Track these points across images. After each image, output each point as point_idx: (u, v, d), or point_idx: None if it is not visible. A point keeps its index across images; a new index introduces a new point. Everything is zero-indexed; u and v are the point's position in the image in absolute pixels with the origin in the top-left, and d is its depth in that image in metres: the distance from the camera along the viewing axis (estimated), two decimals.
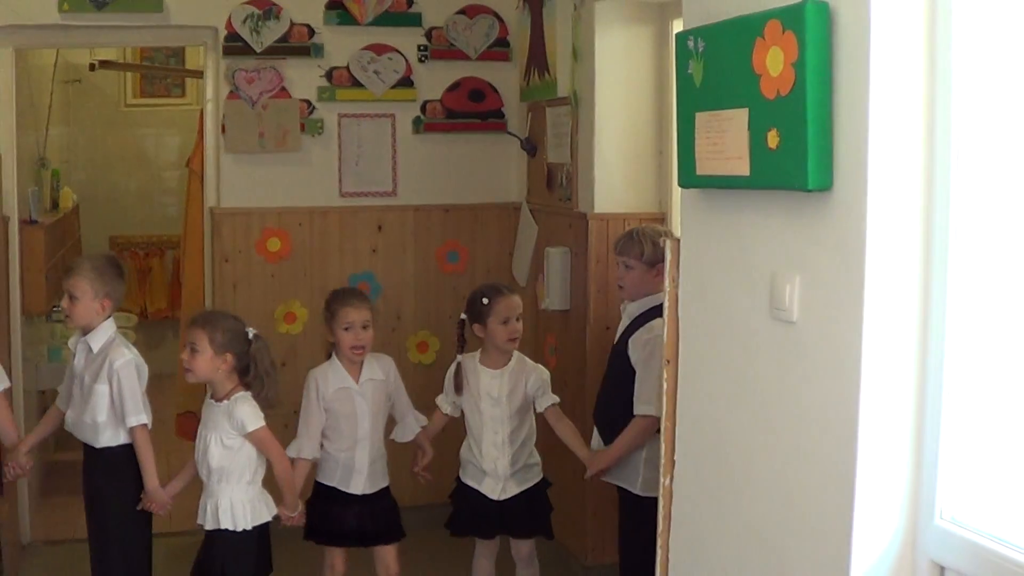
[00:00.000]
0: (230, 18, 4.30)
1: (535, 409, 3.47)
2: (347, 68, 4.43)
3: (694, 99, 2.05)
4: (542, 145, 4.31)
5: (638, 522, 3.25)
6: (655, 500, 3.13)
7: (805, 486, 1.85)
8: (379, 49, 4.46)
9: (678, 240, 2.30)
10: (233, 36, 4.31)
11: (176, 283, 7.06)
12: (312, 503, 3.43)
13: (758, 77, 1.83)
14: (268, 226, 4.41)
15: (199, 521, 3.17)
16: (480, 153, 4.61)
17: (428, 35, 4.50)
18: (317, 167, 4.45)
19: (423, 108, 4.53)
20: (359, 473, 3.41)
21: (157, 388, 5.36)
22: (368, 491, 3.42)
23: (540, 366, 3.51)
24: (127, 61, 6.94)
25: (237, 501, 3.12)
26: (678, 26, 2.65)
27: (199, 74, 5.28)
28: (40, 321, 4.98)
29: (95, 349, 3.25)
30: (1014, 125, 1.63)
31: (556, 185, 4.18)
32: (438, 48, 4.52)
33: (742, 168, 1.90)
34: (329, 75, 4.42)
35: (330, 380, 3.40)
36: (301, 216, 4.44)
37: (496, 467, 3.41)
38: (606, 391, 3.40)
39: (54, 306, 4.86)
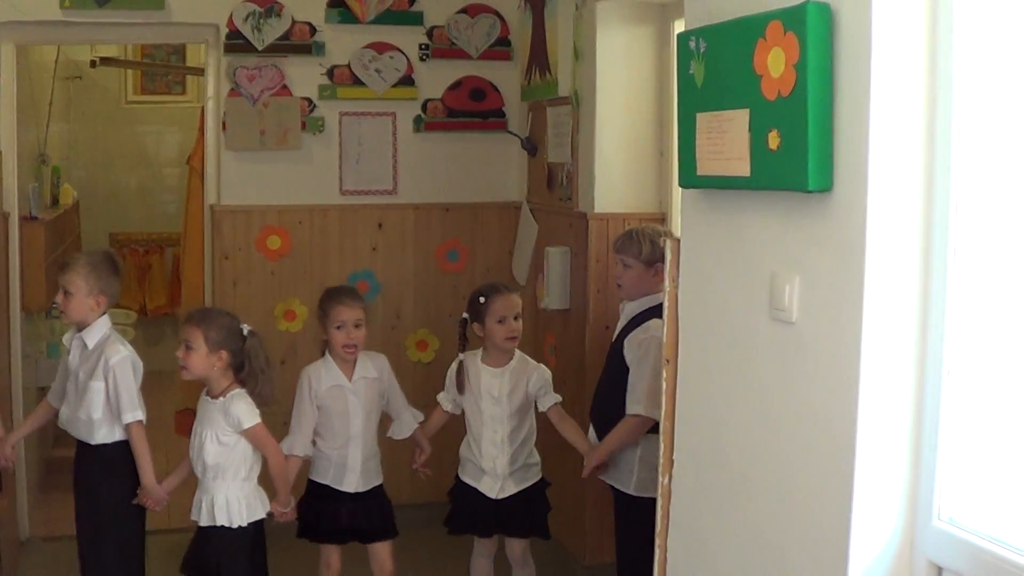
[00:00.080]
0: (231, 16, 4.31)
1: (538, 408, 3.47)
2: (348, 66, 4.44)
3: (695, 99, 2.06)
4: (543, 145, 4.32)
5: (633, 522, 3.26)
6: (649, 500, 3.15)
7: (804, 486, 1.85)
8: (380, 48, 4.47)
9: (678, 240, 2.30)
10: (234, 34, 4.31)
11: (176, 280, 7.06)
12: (305, 501, 3.44)
13: (759, 78, 1.83)
14: (268, 224, 4.42)
15: (193, 517, 3.17)
16: (481, 152, 4.61)
17: (429, 34, 4.51)
18: (318, 165, 4.46)
19: (424, 107, 4.54)
20: (352, 471, 3.41)
21: (156, 385, 5.36)
22: (361, 489, 3.43)
23: (542, 365, 3.51)
24: (128, 58, 6.94)
25: (233, 498, 3.12)
26: (679, 26, 2.66)
27: (200, 71, 5.29)
28: (39, 317, 4.98)
29: (90, 345, 3.26)
30: (1014, 127, 1.63)
31: (556, 185, 4.19)
32: (439, 47, 4.52)
33: (743, 169, 1.91)
34: (330, 73, 4.42)
35: (323, 378, 3.40)
36: (301, 214, 4.45)
37: (495, 466, 3.42)
38: (602, 389, 3.40)
39: (53, 302, 4.85)
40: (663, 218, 3.86)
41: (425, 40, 4.51)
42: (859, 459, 1.72)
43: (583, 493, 3.87)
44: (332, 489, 3.42)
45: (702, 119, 2.03)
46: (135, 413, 3.23)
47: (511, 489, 3.43)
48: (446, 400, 3.53)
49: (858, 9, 1.69)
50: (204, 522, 3.13)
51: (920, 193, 1.71)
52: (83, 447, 3.30)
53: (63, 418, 3.33)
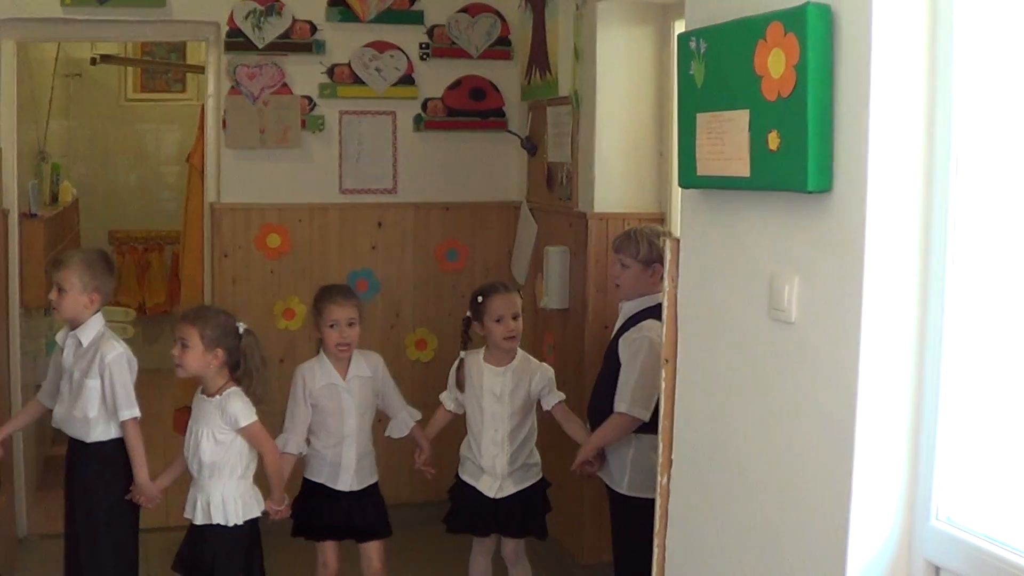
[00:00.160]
0: (232, 14, 4.31)
1: (542, 407, 3.48)
2: (348, 65, 4.44)
3: (695, 100, 2.06)
4: (542, 144, 4.32)
5: (626, 522, 3.27)
6: (642, 500, 3.17)
7: (802, 486, 1.85)
8: (381, 46, 4.47)
9: (678, 240, 2.31)
10: (235, 32, 4.31)
11: (175, 278, 7.05)
12: (300, 500, 3.44)
13: (759, 79, 1.83)
14: (268, 222, 4.42)
15: (187, 515, 3.17)
16: (480, 152, 4.61)
17: (430, 33, 4.51)
18: (318, 164, 4.46)
19: (424, 106, 4.54)
20: (346, 470, 3.41)
21: (155, 384, 5.36)
22: (356, 488, 3.43)
23: (545, 364, 3.52)
24: (128, 56, 6.94)
25: (229, 496, 3.12)
26: (679, 27, 2.66)
27: (200, 69, 5.29)
28: (38, 315, 4.98)
29: (85, 343, 3.25)
30: (1014, 128, 1.63)
31: (556, 184, 4.19)
32: (440, 46, 4.52)
33: (742, 169, 1.91)
34: (330, 72, 4.43)
35: (317, 376, 3.41)
36: (301, 212, 4.45)
37: (494, 465, 3.42)
38: (599, 388, 3.41)
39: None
40: (662, 218, 3.87)
41: (425, 39, 4.51)
42: (858, 458, 1.72)
43: (581, 493, 3.87)
44: (327, 488, 3.42)
45: (702, 119, 2.04)
46: (132, 410, 3.23)
47: (510, 489, 3.43)
48: (448, 399, 3.54)
49: (858, 10, 1.70)
50: (200, 520, 3.13)
51: (919, 194, 1.71)
52: (77, 445, 3.29)
53: (57, 417, 3.32)
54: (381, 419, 3.58)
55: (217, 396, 3.14)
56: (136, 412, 3.24)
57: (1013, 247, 1.65)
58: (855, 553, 1.74)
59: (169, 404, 4.91)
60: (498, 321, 3.40)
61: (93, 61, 6.39)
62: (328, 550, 3.48)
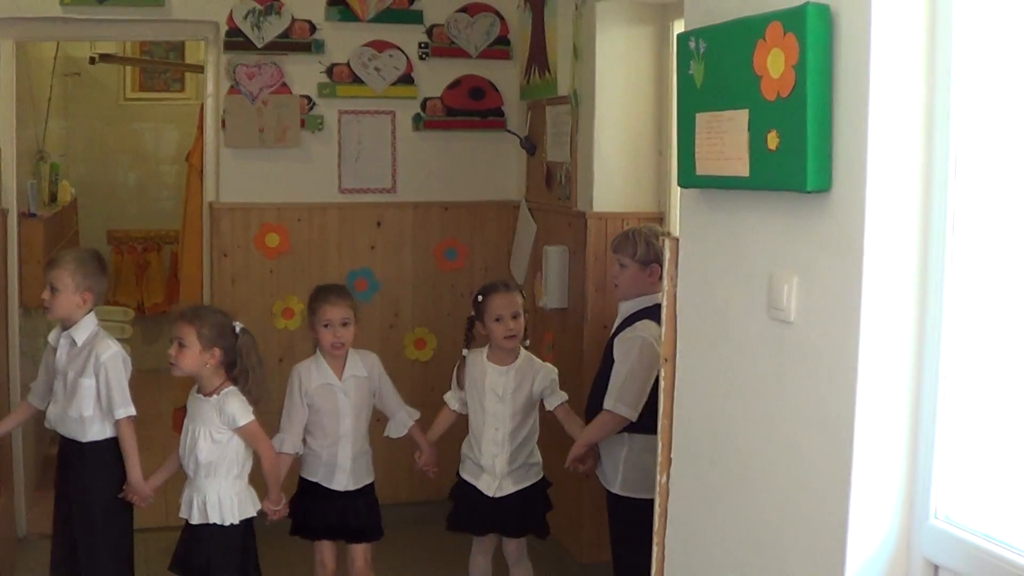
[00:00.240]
0: (231, 13, 4.31)
1: (545, 407, 3.48)
2: (348, 64, 4.44)
3: (695, 100, 2.06)
4: (541, 144, 4.32)
5: (622, 521, 3.29)
6: (635, 499, 3.18)
7: (801, 485, 1.86)
8: (380, 46, 4.47)
9: (677, 240, 2.31)
10: (234, 31, 4.31)
11: (173, 278, 7.05)
12: (297, 499, 3.44)
13: (759, 78, 1.84)
14: (267, 221, 4.42)
15: (182, 515, 3.17)
16: (480, 151, 4.62)
17: (429, 32, 4.51)
18: (317, 163, 4.46)
19: (423, 105, 4.54)
20: (341, 470, 3.41)
21: (154, 383, 5.37)
22: (351, 487, 3.43)
23: (549, 364, 3.52)
24: (127, 55, 6.94)
25: (225, 495, 3.12)
26: (679, 26, 2.67)
27: (199, 68, 5.29)
28: (38, 314, 4.97)
29: (79, 342, 3.25)
30: (1013, 128, 1.64)
31: (555, 184, 4.19)
32: (439, 46, 4.53)
33: (742, 169, 1.91)
34: (330, 71, 4.43)
35: (313, 376, 3.41)
36: (300, 212, 4.45)
37: (494, 464, 3.42)
38: (597, 387, 3.42)
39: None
40: (661, 218, 3.87)
41: (425, 39, 4.51)
42: (856, 458, 1.73)
43: (580, 492, 3.87)
44: (322, 487, 3.42)
45: (701, 119, 2.04)
46: (127, 409, 3.23)
47: (509, 488, 3.43)
48: (453, 399, 3.53)
49: (857, 10, 1.70)
50: (196, 520, 3.13)
51: (918, 193, 1.72)
52: (72, 446, 3.28)
53: (51, 417, 3.32)
54: (380, 419, 3.58)
55: (214, 396, 3.14)
56: (131, 411, 3.24)
57: (1012, 246, 1.65)
58: (854, 551, 1.74)
59: (168, 404, 4.92)
60: (498, 320, 3.40)
61: (92, 60, 6.39)
62: (325, 549, 3.48)
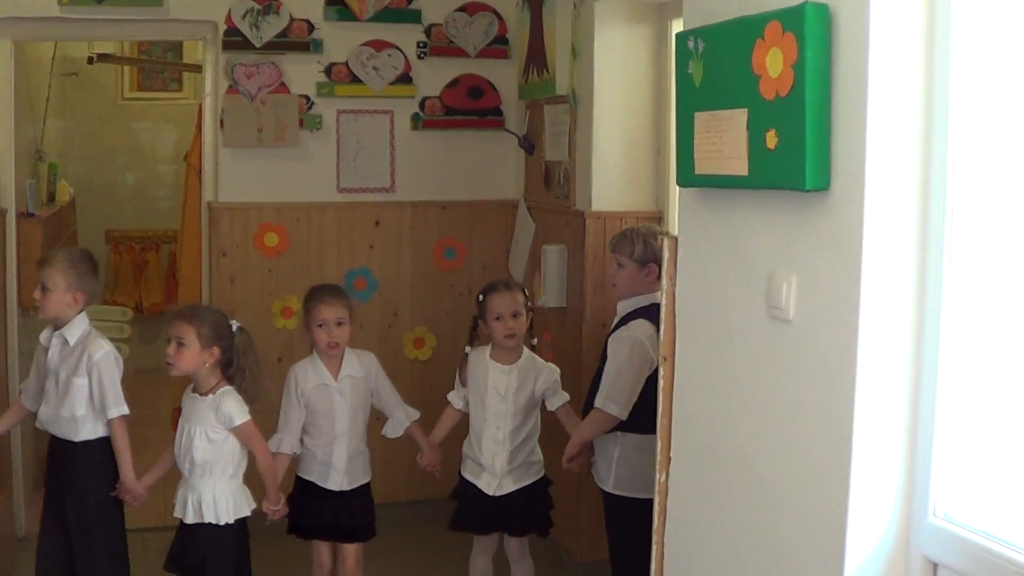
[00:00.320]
0: (230, 13, 4.31)
1: (546, 407, 3.48)
2: (346, 64, 4.44)
3: (693, 99, 2.07)
4: (540, 143, 4.32)
5: (618, 520, 3.29)
6: (629, 498, 3.19)
7: (800, 483, 1.86)
8: (378, 45, 4.47)
9: (676, 239, 2.31)
10: (233, 31, 4.31)
11: (172, 278, 7.04)
12: (293, 498, 3.44)
13: (757, 78, 1.84)
14: (266, 221, 4.42)
15: (177, 515, 3.17)
16: (478, 150, 4.62)
17: (427, 32, 4.51)
18: (315, 163, 4.46)
19: (422, 105, 4.54)
20: (336, 470, 3.41)
21: (152, 383, 5.37)
22: (346, 487, 3.43)
23: (551, 364, 3.52)
24: (125, 55, 6.94)
25: (220, 495, 3.12)
26: (677, 26, 2.67)
27: (197, 68, 5.29)
28: (36, 314, 4.97)
29: (71, 342, 3.25)
30: (1011, 127, 1.64)
31: (554, 183, 4.19)
32: (437, 45, 4.53)
33: (740, 168, 1.92)
34: (328, 71, 4.43)
35: (309, 376, 3.41)
36: (299, 211, 4.45)
37: (494, 463, 3.42)
38: (593, 386, 3.43)
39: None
40: (660, 217, 3.88)
41: (423, 38, 4.51)
42: (855, 456, 1.73)
43: (579, 491, 3.88)
44: (318, 487, 3.42)
45: (700, 118, 2.04)
46: (120, 408, 3.23)
47: (509, 487, 3.43)
48: (457, 398, 3.53)
49: (856, 10, 1.70)
50: (191, 519, 3.13)
51: (916, 192, 1.72)
52: (64, 445, 3.27)
53: (43, 417, 3.31)
54: (379, 418, 3.59)
55: (211, 395, 3.14)
56: (124, 410, 3.24)
57: (1011, 245, 1.66)
58: (853, 549, 1.75)
59: (166, 403, 4.92)
60: (498, 319, 3.41)
61: (90, 60, 6.38)
62: (322, 549, 3.48)
